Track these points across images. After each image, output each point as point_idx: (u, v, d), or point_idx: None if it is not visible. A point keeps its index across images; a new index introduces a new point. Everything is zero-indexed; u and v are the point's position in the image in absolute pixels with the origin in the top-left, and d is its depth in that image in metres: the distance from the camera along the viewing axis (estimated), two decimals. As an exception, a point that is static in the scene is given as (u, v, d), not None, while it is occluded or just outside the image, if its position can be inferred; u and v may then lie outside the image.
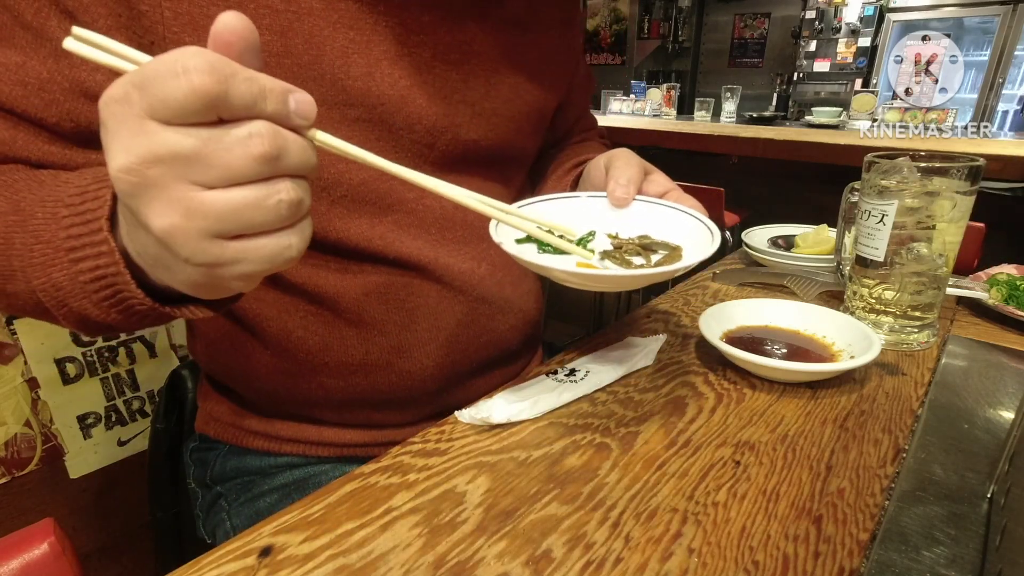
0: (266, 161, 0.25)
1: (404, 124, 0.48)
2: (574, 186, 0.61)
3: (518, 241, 0.47)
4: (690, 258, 0.44)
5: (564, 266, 0.41)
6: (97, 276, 0.31)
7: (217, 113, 0.23)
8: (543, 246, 0.48)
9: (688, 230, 0.49)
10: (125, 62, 0.26)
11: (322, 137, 0.28)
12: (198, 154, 0.24)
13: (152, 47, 0.40)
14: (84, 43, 0.25)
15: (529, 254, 0.43)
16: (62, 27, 0.39)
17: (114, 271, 0.31)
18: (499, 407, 0.47)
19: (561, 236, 0.46)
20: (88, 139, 0.42)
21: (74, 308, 0.33)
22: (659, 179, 0.54)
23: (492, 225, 0.45)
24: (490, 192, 0.59)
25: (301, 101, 0.26)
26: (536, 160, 0.68)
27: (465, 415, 0.47)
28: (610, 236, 0.50)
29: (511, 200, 0.62)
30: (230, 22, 0.24)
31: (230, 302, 0.35)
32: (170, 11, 0.40)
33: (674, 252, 0.47)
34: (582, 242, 0.48)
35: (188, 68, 0.22)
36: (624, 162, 0.53)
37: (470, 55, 0.52)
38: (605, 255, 0.48)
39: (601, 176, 0.55)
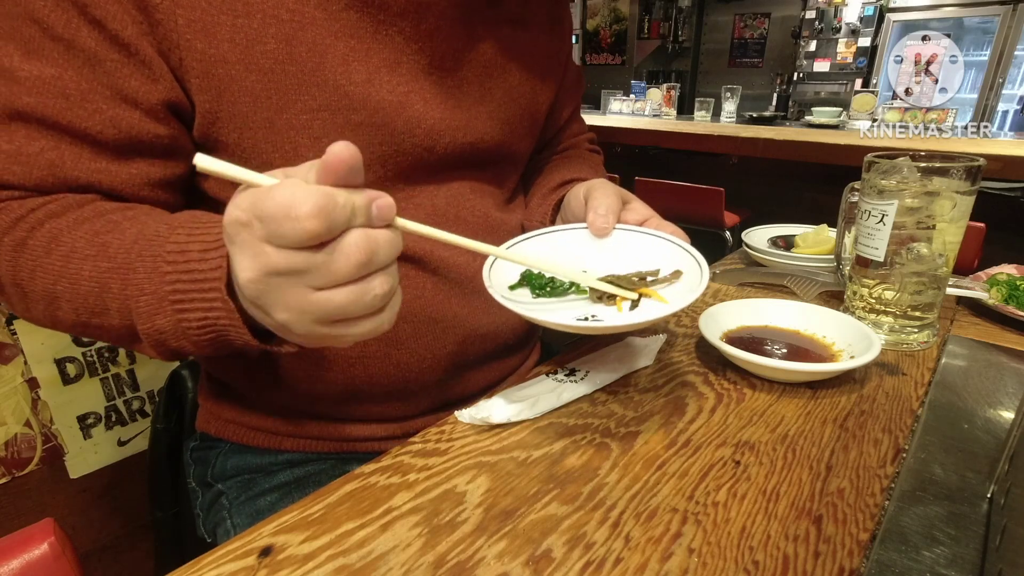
0: (362, 266, 0.30)
1: (404, 128, 0.50)
2: (556, 210, 0.62)
3: (511, 287, 0.48)
4: (681, 302, 0.43)
5: (560, 319, 0.42)
6: (205, 325, 0.36)
7: (320, 241, 0.29)
8: (536, 291, 0.48)
9: (673, 259, 0.49)
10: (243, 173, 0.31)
11: (400, 223, 0.33)
12: (307, 268, 0.29)
13: (170, 53, 0.42)
14: (208, 171, 0.30)
15: (524, 306, 0.43)
16: (92, 36, 0.40)
17: (226, 323, 0.36)
18: (499, 407, 0.47)
19: (550, 284, 0.48)
20: (127, 148, 0.43)
21: (172, 346, 0.39)
22: (637, 207, 0.55)
23: (485, 273, 0.46)
24: (485, 192, 0.60)
25: (381, 207, 0.31)
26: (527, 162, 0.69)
27: (465, 415, 0.47)
28: (606, 279, 0.49)
29: (505, 200, 0.63)
30: (340, 153, 0.29)
31: None
32: (183, 19, 0.41)
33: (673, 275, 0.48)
34: (573, 287, 0.49)
35: (300, 215, 0.27)
36: (602, 192, 0.54)
37: (465, 61, 0.53)
38: (599, 297, 0.48)
39: (581, 207, 0.56)
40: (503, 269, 0.49)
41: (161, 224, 0.39)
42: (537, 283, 0.49)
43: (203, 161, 0.30)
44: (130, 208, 0.43)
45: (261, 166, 0.46)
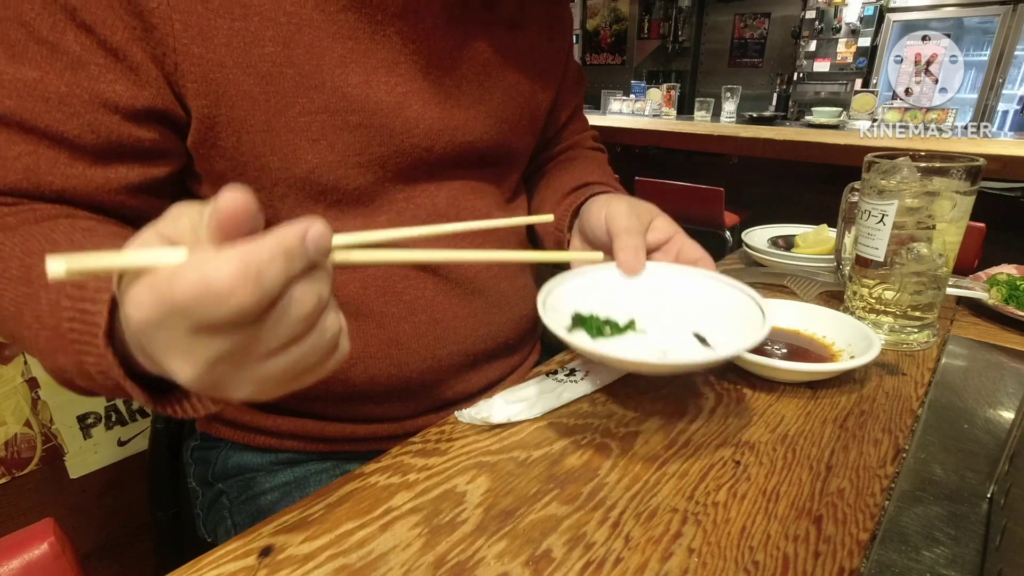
0: (313, 315, 0.26)
1: (403, 129, 0.50)
2: (573, 217, 0.60)
3: (568, 330, 0.45)
4: (752, 338, 0.41)
5: (637, 356, 0.40)
6: (103, 371, 0.31)
7: (264, 306, 0.24)
8: (593, 331, 0.46)
9: (724, 300, 0.47)
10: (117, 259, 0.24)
11: (347, 257, 0.29)
12: (254, 340, 0.25)
13: (164, 58, 0.41)
14: (76, 273, 0.23)
15: (589, 344, 0.41)
16: (79, 40, 0.39)
17: (118, 380, 0.31)
18: (499, 407, 0.47)
19: (607, 323, 0.46)
20: (106, 153, 0.42)
21: (80, 386, 0.35)
22: (661, 224, 0.52)
23: (540, 306, 0.43)
24: (485, 191, 0.60)
25: (315, 237, 0.26)
26: (529, 162, 0.69)
27: (465, 415, 0.47)
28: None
29: (506, 200, 0.63)
30: (228, 207, 0.24)
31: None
32: (180, 23, 0.41)
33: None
34: (629, 326, 0.47)
35: (224, 292, 0.23)
36: (625, 221, 0.51)
37: (463, 60, 0.53)
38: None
39: (602, 228, 0.53)
40: (553, 307, 0.46)
41: (81, 248, 0.32)
42: (593, 325, 0.46)
43: (57, 265, 0.23)
44: (85, 230, 0.40)
45: (259, 169, 0.46)
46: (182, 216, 0.26)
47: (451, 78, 0.52)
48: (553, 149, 0.74)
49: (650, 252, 0.52)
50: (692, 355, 0.41)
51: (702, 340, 0.45)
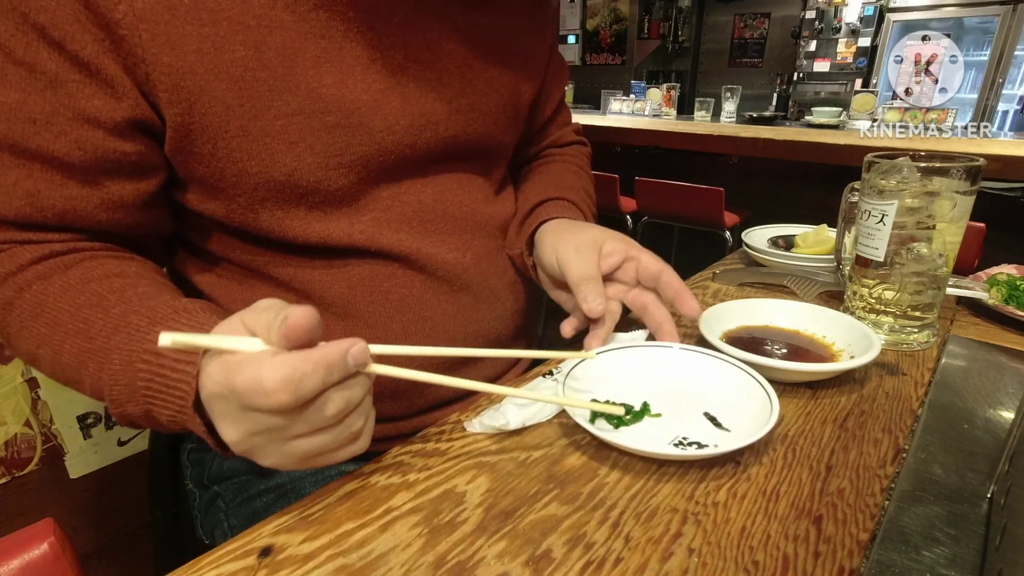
0: (339, 415, 0.33)
1: (383, 126, 0.49)
2: (530, 244, 0.60)
3: (591, 421, 0.45)
4: (760, 431, 0.40)
5: (660, 448, 0.41)
6: (175, 420, 0.37)
7: (298, 405, 0.31)
8: (615, 420, 0.45)
9: (730, 380, 0.48)
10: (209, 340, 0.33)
11: (379, 370, 0.36)
12: (286, 425, 0.32)
13: (135, 68, 0.41)
14: (179, 345, 0.32)
15: (618, 436, 0.42)
16: (52, 59, 0.39)
17: (192, 427, 0.37)
18: (513, 413, 0.45)
19: (626, 410, 0.45)
20: (95, 169, 0.43)
21: (142, 425, 0.41)
22: (612, 248, 0.54)
23: (570, 411, 0.44)
24: (472, 185, 0.60)
25: (356, 354, 0.33)
26: (513, 156, 0.69)
27: (476, 425, 0.46)
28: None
29: (493, 192, 0.63)
30: (298, 321, 0.31)
31: None
32: (147, 33, 0.40)
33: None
34: (644, 411, 0.46)
35: (268, 391, 0.30)
36: (577, 269, 0.52)
37: (442, 53, 0.52)
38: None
39: (559, 274, 0.54)
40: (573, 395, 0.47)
41: (143, 316, 0.39)
42: (611, 414, 0.45)
43: (167, 339, 0.31)
44: (117, 276, 0.43)
45: (237, 174, 0.46)
46: (263, 313, 0.33)
47: (431, 72, 0.52)
48: (536, 146, 0.74)
49: (609, 278, 0.54)
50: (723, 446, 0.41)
51: (713, 420, 0.45)
